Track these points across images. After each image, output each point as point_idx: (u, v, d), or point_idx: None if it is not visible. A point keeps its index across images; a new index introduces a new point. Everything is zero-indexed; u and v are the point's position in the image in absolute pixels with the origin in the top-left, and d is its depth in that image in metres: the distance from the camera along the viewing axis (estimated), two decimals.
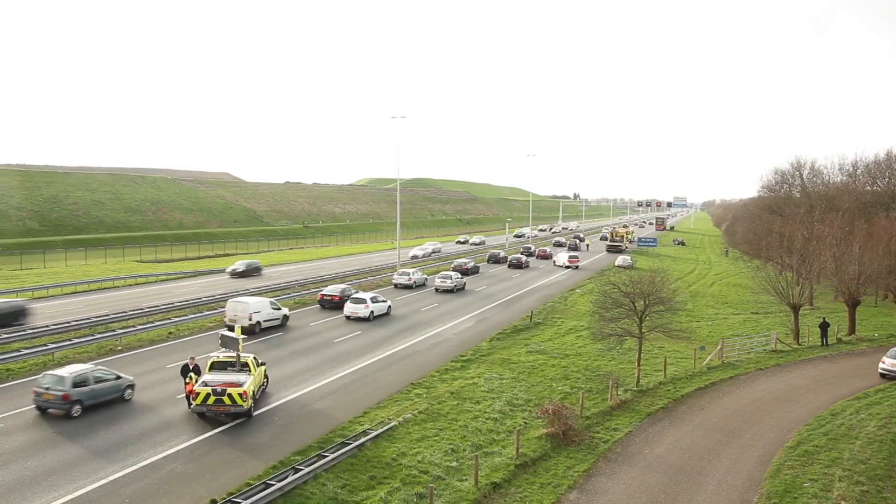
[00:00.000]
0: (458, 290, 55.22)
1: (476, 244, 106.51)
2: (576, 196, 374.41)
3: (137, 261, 71.83)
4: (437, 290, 54.55)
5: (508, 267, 75.14)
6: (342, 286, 46.20)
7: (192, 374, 23.25)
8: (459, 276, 57.63)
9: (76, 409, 21.98)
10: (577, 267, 78.02)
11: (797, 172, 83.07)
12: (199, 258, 77.30)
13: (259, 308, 36.09)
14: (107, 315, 36.71)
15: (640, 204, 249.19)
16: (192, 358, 24.32)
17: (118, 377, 24.01)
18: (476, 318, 43.53)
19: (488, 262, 78.53)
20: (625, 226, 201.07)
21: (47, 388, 21.97)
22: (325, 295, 44.84)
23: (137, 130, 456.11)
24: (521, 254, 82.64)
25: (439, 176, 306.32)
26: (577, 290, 58.26)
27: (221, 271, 61.48)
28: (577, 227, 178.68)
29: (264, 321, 36.21)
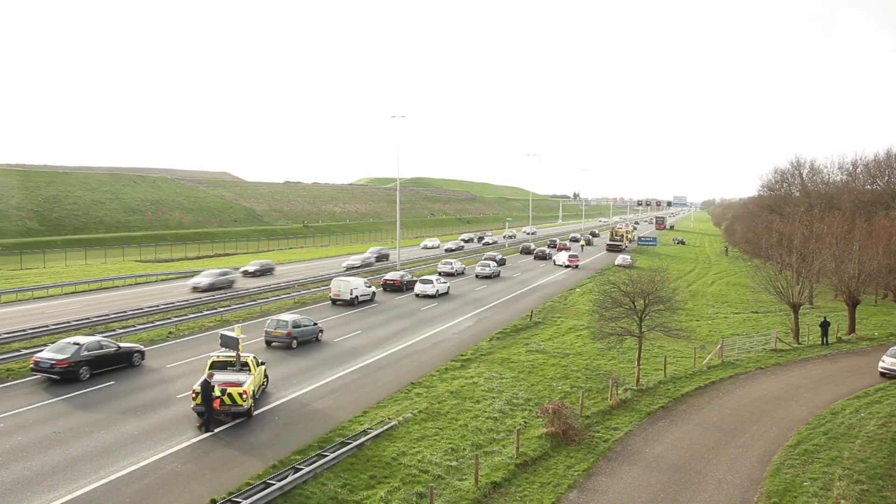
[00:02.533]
0: (495, 276, 64.81)
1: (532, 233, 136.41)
2: (576, 195, 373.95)
3: (137, 260, 71.85)
4: (477, 276, 64.33)
5: (534, 258, 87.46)
6: (401, 272, 55.47)
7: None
8: (496, 264, 67.28)
9: (294, 343, 32.07)
10: (576, 266, 78.13)
11: (797, 171, 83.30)
12: (198, 258, 77.27)
13: (357, 285, 46.01)
14: (107, 315, 36.68)
15: (639, 203, 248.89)
16: (212, 374, 21.58)
17: (315, 324, 34.11)
18: (476, 317, 43.57)
19: (521, 252, 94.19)
20: (636, 223, 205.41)
21: (276, 328, 32.05)
22: (387, 280, 53.68)
23: (137, 130, 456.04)
24: (546, 247, 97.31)
25: (439, 175, 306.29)
26: (577, 290, 58.28)
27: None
28: (533, 233, 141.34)
29: (361, 296, 45.84)
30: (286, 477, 17.24)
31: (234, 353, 23.50)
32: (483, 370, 29.91)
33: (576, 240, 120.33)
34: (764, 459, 21.08)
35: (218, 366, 23.26)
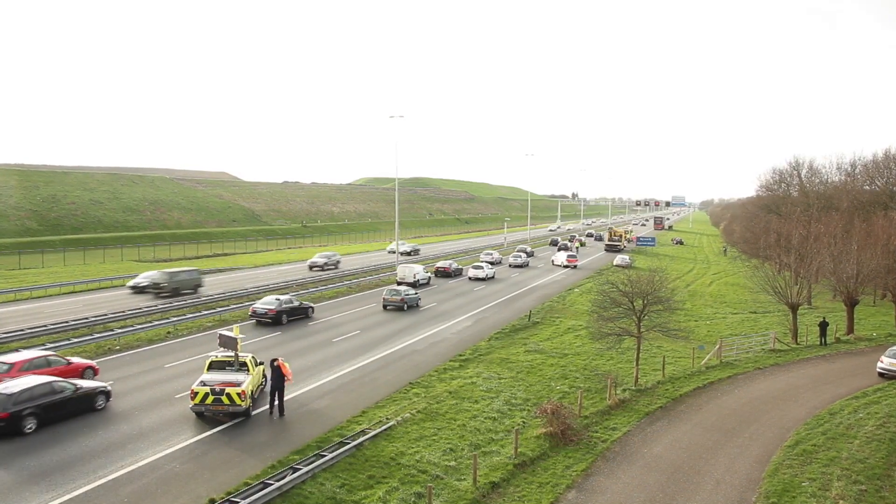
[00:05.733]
0: (525, 266, 77.05)
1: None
2: (574, 195, 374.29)
3: (136, 260, 71.71)
4: (510, 265, 76.36)
5: (558, 250, 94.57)
6: (450, 261, 66.39)
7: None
8: (525, 256, 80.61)
9: (405, 306, 44.02)
10: (575, 266, 78.15)
11: (795, 172, 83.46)
12: (197, 258, 77.18)
13: (418, 271, 55.79)
14: (105, 315, 36.64)
15: (638, 203, 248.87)
16: (277, 359, 23.29)
17: (416, 294, 46.56)
18: (475, 317, 43.55)
19: (550, 244, 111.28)
20: (646, 220, 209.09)
21: (391, 296, 44.20)
22: (439, 267, 64.09)
23: (136, 130, 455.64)
24: (568, 241, 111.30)
25: (438, 175, 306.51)
26: (576, 290, 58.27)
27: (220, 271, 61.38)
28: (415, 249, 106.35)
29: (420, 279, 55.43)
30: (284, 477, 17.21)
31: (232, 353, 23.49)
32: (481, 370, 29.90)
33: (590, 235, 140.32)
34: (762, 460, 21.09)
35: (216, 366, 23.22)
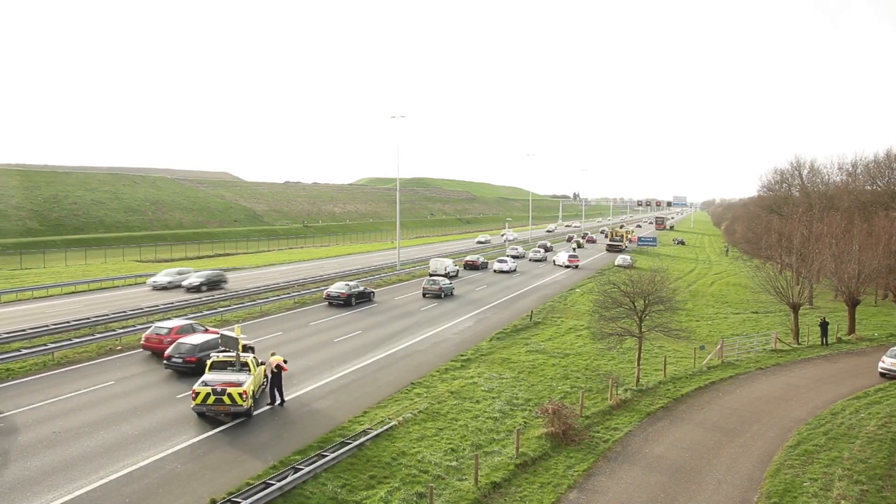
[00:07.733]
0: (542, 260, 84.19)
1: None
2: (575, 196, 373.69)
3: (137, 260, 71.76)
4: (530, 259, 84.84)
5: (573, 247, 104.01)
6: (477, 255, 75.06)
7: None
8: (544, 251, 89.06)
9: (442, 294, 50.42)
10: (576, 266, 78.17)
11: (797, 172, 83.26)
12: (198, 258, 77.23)
13: (448, 264, 63.40)
14: (106, 315, 36.64)
15: (639, 203, 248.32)
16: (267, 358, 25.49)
17: (451, 283, 52.70)
18: (476, 317, 43.57)
19: (567, 241, 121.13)
20: (659, 220, 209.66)
21: (430, 286, 50.53)
22: (467, 261, 71.79)
23: (137, 130, 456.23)
24: (581, 238, 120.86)
25: (439, 175, 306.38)
26: (577, 290, 58.26)
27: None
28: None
29: (451, 272, 62.95)
30: (286, 477, 17.24)
31: (233, 354, 23.50)
32: (483, 370, 29.90)
33: (602, 232, 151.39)
34: (764, 460, 21.10)
35: (218, 366, 23.24)
